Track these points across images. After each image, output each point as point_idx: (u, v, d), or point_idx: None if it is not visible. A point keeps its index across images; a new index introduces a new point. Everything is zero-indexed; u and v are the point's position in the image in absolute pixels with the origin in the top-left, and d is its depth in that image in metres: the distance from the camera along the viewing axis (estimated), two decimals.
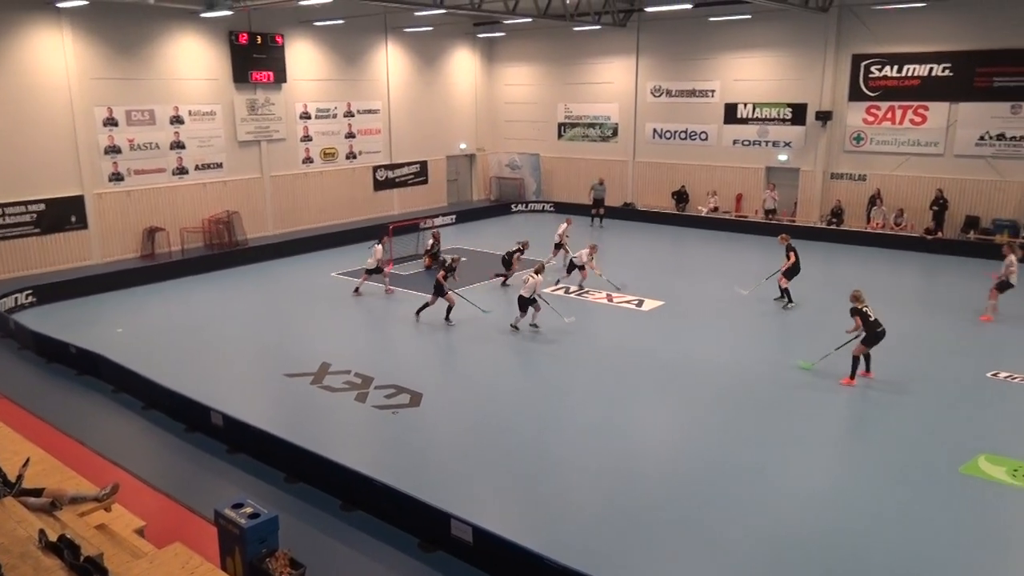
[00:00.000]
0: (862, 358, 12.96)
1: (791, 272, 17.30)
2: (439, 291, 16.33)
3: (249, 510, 7.35)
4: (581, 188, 31.57)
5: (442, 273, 16.65)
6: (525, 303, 15.61)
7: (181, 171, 23.72)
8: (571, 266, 19.13)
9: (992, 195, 23.38)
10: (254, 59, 24.72)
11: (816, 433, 11.27)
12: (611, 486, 9.80)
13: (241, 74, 24.49)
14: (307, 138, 27.11)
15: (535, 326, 15.97)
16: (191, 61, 23.51)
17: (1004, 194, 23.14)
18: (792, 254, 17.24)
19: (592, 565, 7.42)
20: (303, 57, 26.50)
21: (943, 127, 23.84)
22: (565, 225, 21.65)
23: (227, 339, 15.79)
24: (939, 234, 23.51)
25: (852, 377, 12.88)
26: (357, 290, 19.02)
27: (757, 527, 8.75)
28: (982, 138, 23.26)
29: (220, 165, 24.68)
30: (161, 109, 23.03)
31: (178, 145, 23.55)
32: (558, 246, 21.38)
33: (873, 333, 12.64)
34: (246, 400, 12.64)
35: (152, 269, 20.91)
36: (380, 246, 19.22)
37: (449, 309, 16.46)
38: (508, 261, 19.92)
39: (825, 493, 9.55)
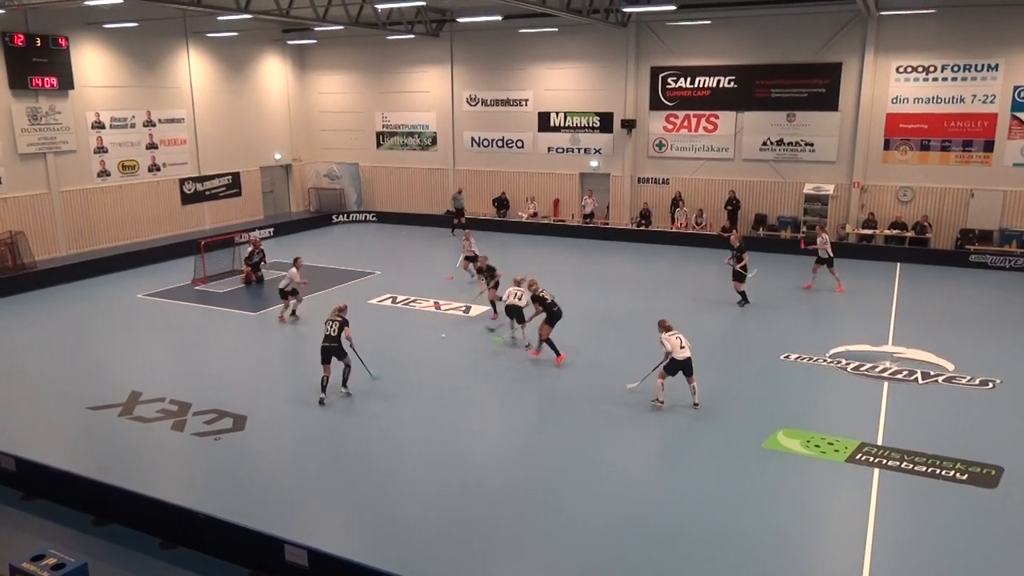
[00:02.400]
0: (549, 337, 14.42)
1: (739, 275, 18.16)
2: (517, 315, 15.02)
3: (52, 561, 6.69)
4: (403, 198, 31.53)
5: (491, 292, 16.78)
6: (517, 311, 15.06)
7: None
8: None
9: (776, 195, 25.97)
10: (34, 63, 22.42)
11: (627, 422, 11.94)
12: (446, 490, 9.83)
13: (19, 79, 22.13)
14: (102, 149, 24.98)
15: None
16: None
17: (786, 194, 25.77)
18: (745, 255, 18.16)
19: (433, 574, 7.41)
20: (93, 62, 24.40)
21: (732, 134, 26.16)
22: (468, 241, 20.61)
23: (16, 373, 14.18)
24: (734, 232, 25.72)
25: (557, 353, 14.32)
26: (283, 317, 17.26)
27: (586, 523, 9.13)
28: (764, 143, 25.78)
29: None
30: None
31: None
32: (471, 259, 20.07)
33: (551, 313, 14.41)
34: (43, 439, 11.43)
35: None
36: (296, 269, 17.01)
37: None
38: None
39: (642, 476, 10.15)
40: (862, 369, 13.96)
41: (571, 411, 12.34)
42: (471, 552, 8.48)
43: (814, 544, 8.77)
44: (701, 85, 26.24)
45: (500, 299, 16.31)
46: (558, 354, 14.38)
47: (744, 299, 18.36)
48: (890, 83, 23.77)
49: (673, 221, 26.89)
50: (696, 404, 12.21)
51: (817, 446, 10.92)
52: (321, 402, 12.50)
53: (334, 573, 7.68)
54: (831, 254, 19.48)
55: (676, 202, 26.93)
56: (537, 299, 14.60)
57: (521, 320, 15.14)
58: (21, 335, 16.64)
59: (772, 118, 25.49)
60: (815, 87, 24.76)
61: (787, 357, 14.66)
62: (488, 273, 17.43)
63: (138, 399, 12.71)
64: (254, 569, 8.13)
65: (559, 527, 8.96)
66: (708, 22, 25.20)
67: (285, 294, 17.02)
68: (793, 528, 8.96)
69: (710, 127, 26.44)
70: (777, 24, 24.66)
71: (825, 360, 14.45)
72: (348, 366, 12.81)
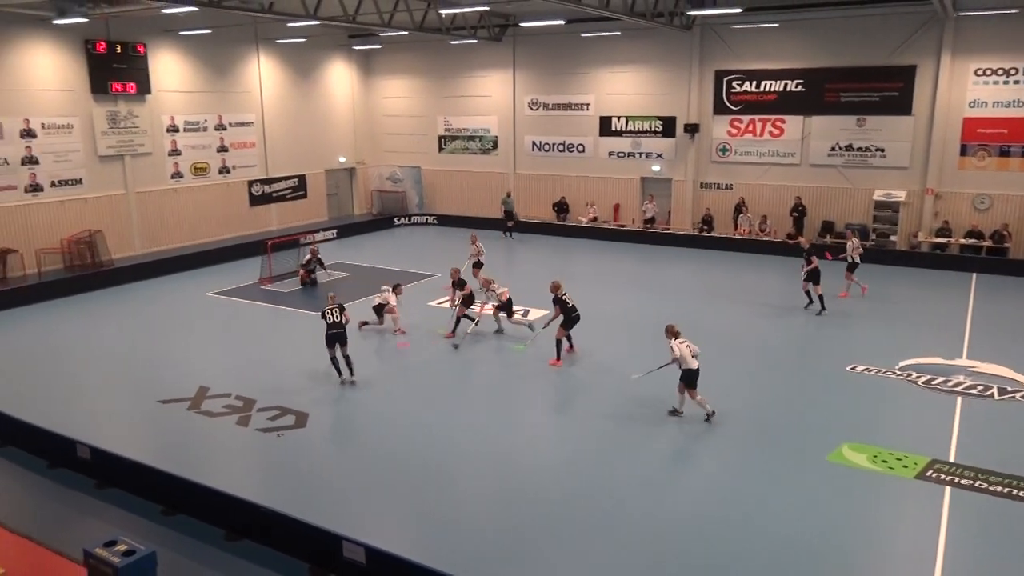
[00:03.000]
0: (564, 339, 14.79)
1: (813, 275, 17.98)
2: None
3: (123, 547, 6.92)
4: (464, 201, 31.76)
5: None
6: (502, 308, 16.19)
7: (35, 188, 22.09)
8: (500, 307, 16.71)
9: (844, 201, 25.25)
10: (114, 69, 23.39)
11: (687, 432, 11.75)
12: (504, 498, 9.85)
13: (100, 85, 23.11)
14: (176, 152, 25.88)
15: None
16: (43, 71, 21.98)
17: (854, 200, 25.04)
18: (813, 258, 17.92)
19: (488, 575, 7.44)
20: (169, 67, 25.31)
21: (799, 139, 25.56)
22: (475, 246, 20.46)
23: (93, 367, 14.79)
24: (800, 238, 25.10)
25: (558, 358, 14.64)
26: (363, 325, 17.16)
27: (642, 531, 9.03)
28: (833, 149, 25.10)
29: (79, 181, 23.15)
30: (9, 122, 21.38)
31: (30, 160, 21.93)
32: (479, 265, 20.20)
33: (569, 318, 14.53)
34: (116, 431, 11.88)
35: (4, 294, 19.32)
36: (394, 295, 16.65)
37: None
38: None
39: (704, 490, 9.97)
40: (934, 383, 13.44)
41: (629, 418, 12.21)
42: (527, 556, 8.47)
43: (880, 564, 8.48)
44: (767, 89, 25.73)
45: (470, 318, 16.40)
46: (558, 357, 14.65)
47: (822, 305, 17.96)
48: (968, 86, 22.87)
49: (736, 227, 26.41)
50: (711, 413, 11.89)
51: (884, 461, 10.56)
52: (343, 382, 13.25)
53: (390, 571, 7.77)
54: (858, 261, 19.21)
55: (739, 208, 26.45)
56: (558, 301, 14.57)
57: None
58: (98, 330, 17.35)
59: (841, 122, 24.81)
60: (887, 91, 24.00)
61: (853, 368, 14.23)
62: (458, 286, 16.75)
63: (206, 394, 13.11)
64: (313, 564, 8.28)
65: (615, 535, 8.88)
66: (776, 24, 24.70)
67: (378, 311, 16.82)
68: (858, 546, 8.68)
69: (776, 132, 25.89)
70: (848, 26, 24.00)
71: (894, 373, 13.98)
72: (348, 356, 13.54)
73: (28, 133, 21.80)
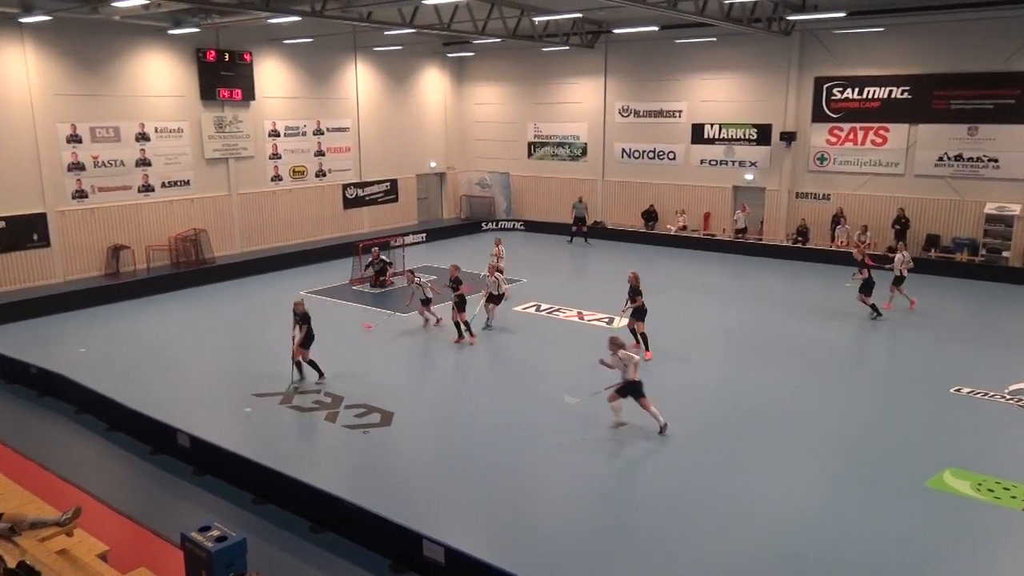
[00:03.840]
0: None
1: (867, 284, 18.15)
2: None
3: (216, 533, 7.19)
4: (551, 207, 31.79)
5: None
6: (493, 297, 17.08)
7: (147, 188, 23.41)
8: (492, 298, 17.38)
9: (951, 214, 23.96)
10: (222, 76, 24.55)
11: (784, 452, 11.37)
12: (586, 508, 9.77)
13: (209, 91, 24.30)
14: (276, 156, 26.94)
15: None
16: (158, 78, 23.29)
17: (962, 213, 23.73)
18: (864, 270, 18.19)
19: None
20: (272, 75, 26.39)
21: (903, 148, 24.43)
22: (498, 248, 20.51)
23: (194, 359, 15.53)
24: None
25: (648, 349, 15.36)
26: (428, 324, 17.74)
27: (728, 547, 8.79)
28: (941, 159, 23.87)
29: (187, 182, 24.40)
30: (126, 126, 22.75)
31: (144, 162, 23.26)
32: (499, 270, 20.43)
33: (643, 310, 15.50)
34: (213, 421, 12.42)
35: (116, 288, 20.55)
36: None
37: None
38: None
39: (796, 512, 9.62)
40: None
41: (721, 434, 11.92)
42: (606, 567, 8.37)
43: None
44: (870, 96, 24.71)
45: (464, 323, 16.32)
46: (647, 348, 15.30)
47: (875, 311, 18.09)
48: None
49: (833, 239, 25.45)
50: (664, 425, 11.60)
51: (991, 490, 9.94)
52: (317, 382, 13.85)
53: (468, 572, 7.82)
54: (905, 275, 18.68)
55: (837, 219, 25.48)
56: (636, 291, 15.46)
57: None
58: (200, 324, 18.22)
59: (950, 131, 23.56)
60: (1002, 98, 22.64)
61: (958, 391, 13.46)
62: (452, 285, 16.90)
63: (297, 389, 13.55)
64: (393, 560, 8.43)
65: (703, 553, 8.67)
66: (881, 29, 23.68)
67: (425, 302, 17.48)
68: (958, 573, 8.20)
69: (879, 140, 24.83)
70: (959, 30, 22.78)
71: (1003, 397, 13.15)
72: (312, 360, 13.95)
73: (143, 137, 23.13)
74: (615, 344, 11.66)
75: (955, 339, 16.64)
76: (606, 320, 18.00)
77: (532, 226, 31.16)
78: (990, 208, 23.01)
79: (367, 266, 21.96)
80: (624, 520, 9.34)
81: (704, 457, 11.01)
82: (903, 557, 8.50)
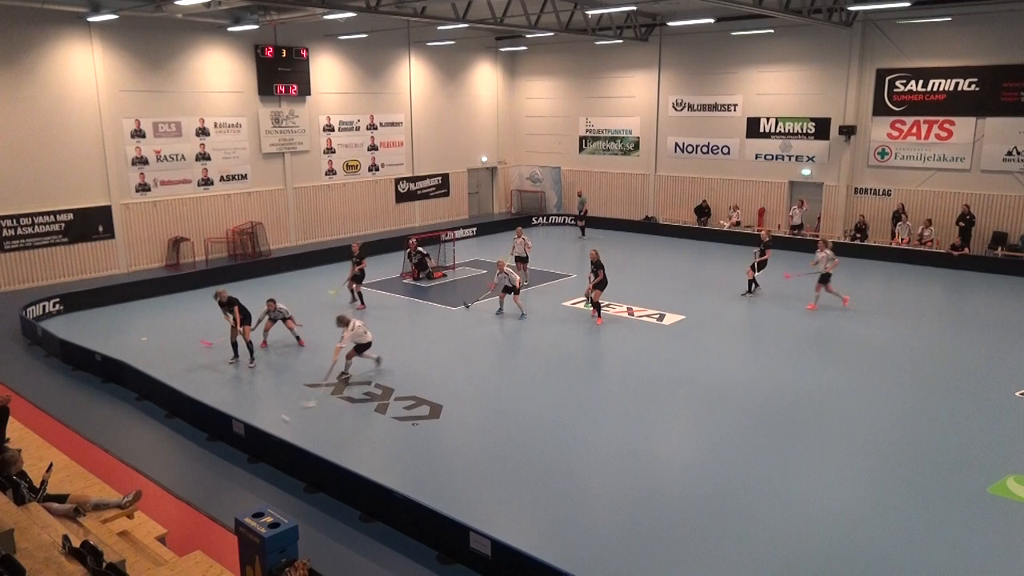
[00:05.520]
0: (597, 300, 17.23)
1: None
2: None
3: (269, 519, 7.34)
4: (603, 201, 31.60)
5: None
6: (508, 289, 17.67)
7: (206, 182, 24.03)
8: (508, 289, 17.86)
9: (1020, 211, 23.06)
10: (279, 72, 25.04)
11: (839, 452, 11.11)
12: (632, 503, 9.71)
13: (266, 87, 24.81)
14: (330, 150, 27.36)
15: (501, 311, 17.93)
16: (217, 74, 23.86)
17: None
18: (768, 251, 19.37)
19: None
20: (327, 70, 26.79)
21: (969, 142, 23.58)
22: (520, 239, 20.84)
23: (246, 350, 15.86)
24: (966, 250, 23.21)
25: (600, 316, 17.32)
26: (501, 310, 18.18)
27: (779, 547, 8.63)
28: (1009, 153, 22.98)
29: (244, 176, 24.97)
30: (187, 121, 23.38)
31: (203, 157, 23.88)
32: (523, 259, 20.81)
33: (604, 282, 17.22)
34: (267, 409, 12.69)
35: (177, 279, 21.15)
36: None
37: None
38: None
39: (851, 513, 9.39)
40: None
41: (766, 433, 11.72)
42: (651, 563, 8.31)
43: None
44: (935, 88, 23.91)
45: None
46: (599, 315, 17.12)
47: (752, 285, 19.52)
48: None
49: (894, 236, 24.73)
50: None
51: None
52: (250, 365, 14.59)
53: (514, 566, 7.84)
54: (831, 272, 18.10)
55: (898, 215, 24.74)
56: (598, 266, 17.21)
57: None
58: (254, 314, 18.56)
59: (1020, 124, 22.65)
60: None
61: (1023, 395, 12.98)
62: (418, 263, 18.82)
63: (348, 381, 13.76)
64: (441, 551, 8.51)
65: (747, 551, 8.54)
66: (948, 19, 22.88)
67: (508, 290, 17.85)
68: None
69: (943, 134, 24.01)
70: None
71: None
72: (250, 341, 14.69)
73: (203, 132, 23.75)
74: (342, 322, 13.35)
75: (1022, 342, 16.01)
76: (657, 316, 17.83)
77: (587, 222, 30.99)
78: None
79: (408, 258, 22.09)
80: (668, 518, 9.24)
81: (758, 457, 10.83)
82: (962, 563, 8.23)
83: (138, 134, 22.33)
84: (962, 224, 23.43)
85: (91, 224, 21.67)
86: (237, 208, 24.77)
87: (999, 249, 23.06)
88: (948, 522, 9.10)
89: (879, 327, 17.01)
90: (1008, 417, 12.15)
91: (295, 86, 25.48)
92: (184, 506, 9.52)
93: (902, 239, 24.43)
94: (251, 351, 14.82)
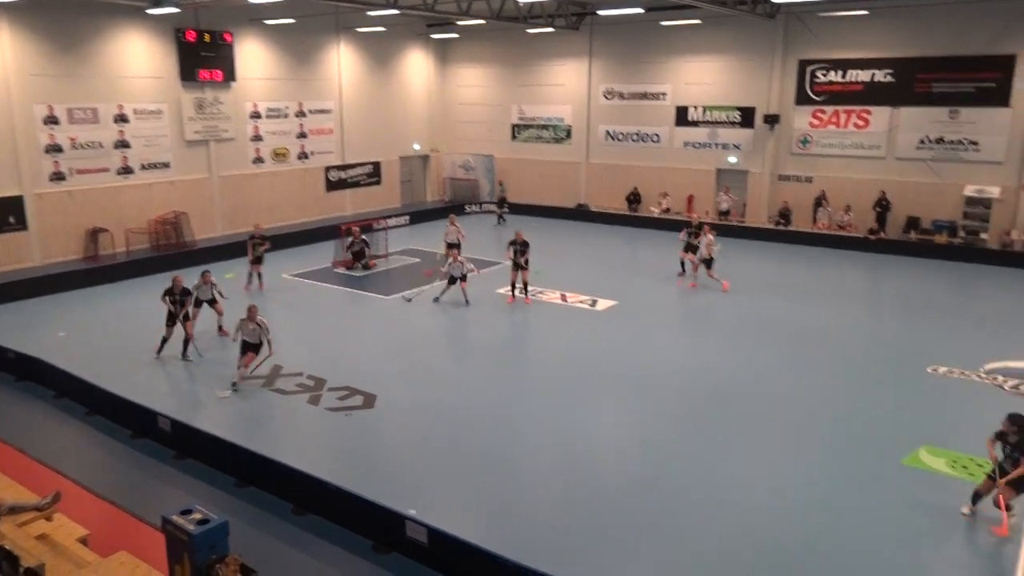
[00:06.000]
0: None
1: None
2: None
3: (198, 516, 7.17)
4: (535, 190, 31.75)
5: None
6: (455, 279, 17.83)
7: (126, 171, 23.13)
8: (454, 279, 18.01)
9: (931, 197, 24.17)
10: (202, 57, 24.23)
11: (765, 430, 11.50)
12: (567, 485, 9.85)
13: (188, 72, 23.98)
14: (257, 138, 26.68)
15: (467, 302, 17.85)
16: (136, 58, 22.95)
17: (943, 196, 23.93)
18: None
19: (549, 564, 7.44)
20: (253, 56, 26.07)
21: (885, 131, 24.56)
22: (454, 227, 20.77)
23: (175, 343, 15.40)
24: (882, 234, 24.22)
25: (528, 296, 18.08)
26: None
27: (712, 523, 8.89)
28: (922, 141, 24.03)
29: (167, 165, 24.12)
30: (105, 107, 22.42)
31: (123, 144, 22.96)
32: (455, 246, 20.52)
33: (526, 263, 17.91)
34: (194, 405, 12.37)
35: (96, 271, 20.34)
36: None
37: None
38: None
39: (776, 486, 9.74)
40: (1022, 388, 12.78)
41: (694, 415, 12.03)
42: (588, 547, 8.45)
43: (958, 571, 8.12)
44: (853, 79, 24.79)
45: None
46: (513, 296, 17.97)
47: (684, 266, 20.11)
48: None
49: (815, 221, 25.61)
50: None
51: (964, 467, 10.11)
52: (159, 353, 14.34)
53: (451, 552, 7.87)
54: (714, 257, 18.97)
55: (819, 201, 25.63)
56: (525, 245, 17.94)
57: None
58: None
59: (932, 114, 23.72)
60: (983, 81, 22.81)
61: (935, 370, 13.64)
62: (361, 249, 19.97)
63: (279, 372, 13.52)
64: (376, 541, 8.46)
65: (677, 532, 8.77)
66: (865, 12, 23.72)
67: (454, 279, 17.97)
68: (932, 551, 8.34)
69: (861, 123, 24.95)
70: (942, 14, 22.87)
71: (979, 376, 13.34)
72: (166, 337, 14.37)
73: (121, 118, 22.81)
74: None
75: (933, 320, 16.84)
76: (589, 303, 18.05)
77: (516, 208, 31.01)
78: (969, 191, 23.24)
79: (348, 247, 21.76)
80: (603, 501, 9.41)
81: (685, 438, 11.11)
82: (878, 530, 8.64)
83: (51, 120, 21.29)
84: (879, 209, 24.43)
85: (1, 215, 20.60)
86: (159, 197, 23.91)
87: (912, 233, 24.14)
88: (866, 492, 9.54)
89: (801, 309, 17.62)
90: (920, 392, 12.78)
91: (219, 72, 24.71)
92: (107, 506, 9.20)
93: (823, 224, 25.31)
94: (186, 347, 14.39)
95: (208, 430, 10.47)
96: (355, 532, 8.65)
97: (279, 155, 27.45)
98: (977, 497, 8.93)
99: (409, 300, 18.28)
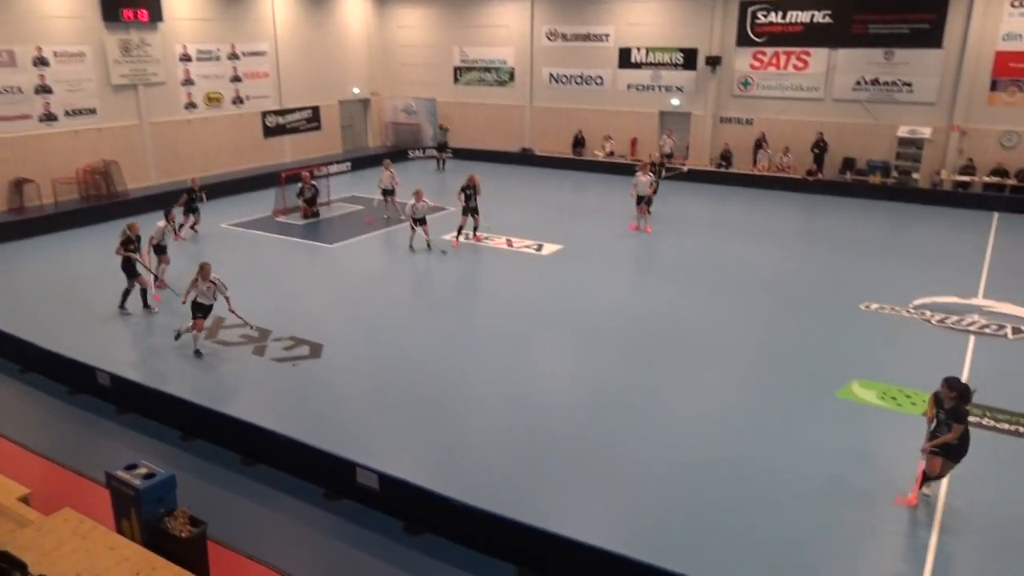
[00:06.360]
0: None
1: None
2: None
3: (144, 471, 7.11)
4: (479, 134, 31.38)
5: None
6: (417, 221, 17.60)
7: (49, 117, 22.00)
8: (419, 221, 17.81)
9: (867, 138, 24.72)
10: None
11: (706, 367, 11.83)
12: (515, 428, 10.01)
13: (111, 12, 22.73)
14: (189, 82, 25.61)
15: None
16: None
17: (878, 137, 24.51)
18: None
19: (500, 504, 7.61)
20: None
21: (823, 72, 24.88)
22: (388, 172, 20.54)
23: (111, 296, 14.96)
24: (819, 175, 24.75)
25: (457, 240, 18.21)
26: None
27: (656, 457, 9.18)
28: (858, 83, 24.45)
29: (93, 111, 23.02)
30: (22, 49, 21.16)
31: (44, 89, 21.78)
32: (390, 192, 20.61)
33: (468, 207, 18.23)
34: (135, 359, 12.10)
35: (22, 224, 19.48)
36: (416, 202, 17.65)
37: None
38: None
39: (718, 421, 10.08)
40: (948, 322, 13.39)
41: (639, 354, 12.29)
42: (538, 486, 8.65)
43: (883, 494, 8.59)
44: (793, 20, 24.94)
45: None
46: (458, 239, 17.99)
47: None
48: (1003, 18, 22.06)
49: (755, 163, 26.00)
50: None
51: (894, 398, 10.61)
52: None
53: (403, 497, 7.97)
54: (650, 195, 19.29)
55: (759, 143, 25.98)
56: (473, 189, 18.19)
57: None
58: (114, 259, 17.47)
59: (868, 56, 24.09)
60: (918, 22, 23.21)
61: (867, 307, 14.16)
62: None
63: (221, 324, 13.28)
64: (328, 489, 8.51)
65: (619, 466, 9.03)
66: None
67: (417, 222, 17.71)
68: (862, 477, 8.78)
69: (800, 65, 25.21)
70: None
71: (908, 311, 13.92)
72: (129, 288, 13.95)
73: (41, 61, 21.59)
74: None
75: (866, 258, 17.40)
76: (535, 247, 18.10)
77: (460, 153, 30.71)
78: (902, 131, 23.84)
79: (298, 193, 21.23)
80: (551, 442, 9.61)
81: (629, 377, 11.37)
82: (814, 459, 9.05)
83: None
84: (816, 151, 24.91)
85: None
86: (87, 145, 22.87)
87: (848, 174, 24.73)
88: (802, 424, 9.95)
89: (741, 250, 18.00)
90: (853, 327, 13.28)
91: (144, 11, 23.45)
92: (48, 464, 9.02)
93: (763, 166, 25.72)
94: (145, 296, 14.17)
95: (150, 384, 10.28)
96: (306, 481, 8.67)
97: (213, 100, 26.45)
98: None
99: (414, 251, 17.87)
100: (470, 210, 18.17)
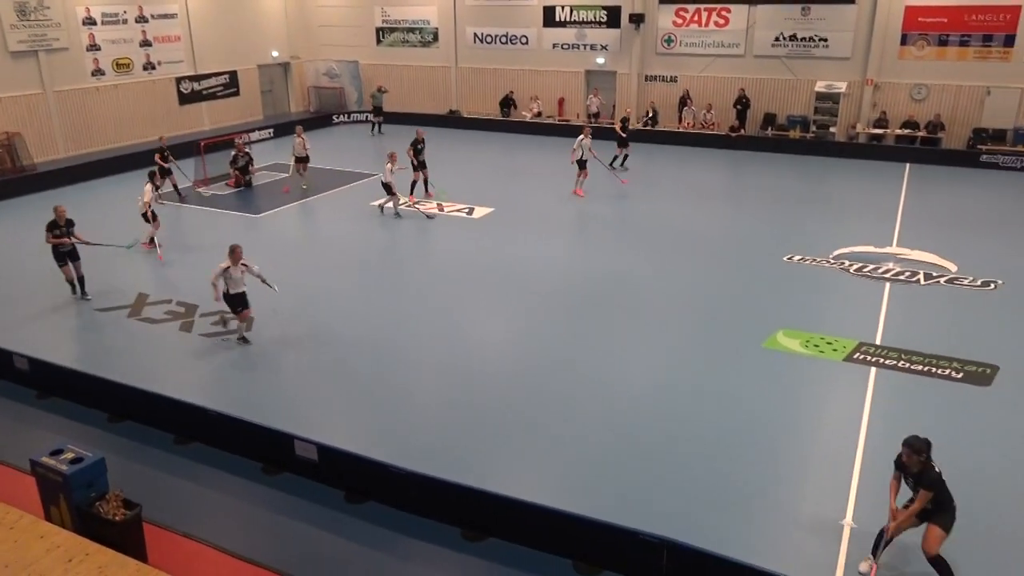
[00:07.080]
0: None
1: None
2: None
3: (71, 455, 6.90)
4: (405, 97, 30.83)
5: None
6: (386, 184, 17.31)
7: None
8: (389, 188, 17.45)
9: (787, 93, 25.31)
10: None
11: (637, 323, 12.07)
12: (451, 392, 10.05)
13: None
14: (94, 47, 24.30)
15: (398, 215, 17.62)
16: None
17: (797, 92, 25.12)
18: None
19: (439, 468, 7.67)
20: None
21: (744, 28, 25.26)
22: (300, 139, 20.12)
23: (23, 277, 14.27)
24: (742, 131, 25.27)
25: (412, 194, 18.41)
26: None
27: (593, 413, 9.37)
28: (777, 39, 24.92)
29: None
30: None
31: None
32: (302, 160, 20.14)
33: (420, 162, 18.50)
34: (54, 341, 11.62)
35: None
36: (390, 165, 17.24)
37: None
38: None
39: (646, 375, 10.33)
40: (865, 270, 13.98)
41: (573, 314, 12.44)
42: (478, 449, 8.74)
43: (809, 438, 9.00)
44: None
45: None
46: (412, 194, 18.22)
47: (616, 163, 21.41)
48: None
49: (680, 120, 26.34)
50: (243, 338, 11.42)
51: (816, 346, 11.06)
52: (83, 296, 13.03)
53: (342, 467, 7.95)
54: (586, 158, 18.95)
55: (684, 100, 26.31)
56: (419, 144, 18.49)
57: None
58: (24, 238, 16.63)
59: (786, 12, 24.55)
60: None
61: (790, 258, 14.65)
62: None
63: (145, 300, 12.85)
64: (266, 463, 8.41)
65: (556, 425, 9.19)
66: None
67: (388, 189, 17.34)
68: (789, 423, 9.17)
69: (721, 21, 25.51)
70: None
71: (828, 262, 14.46)
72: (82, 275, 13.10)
73: None
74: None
75: (789, 211, 17.95)
76: (466, 211, 18.02)
77: (385, 117, 30.03)
78: (820, 86, 24.49)
79: (231, 161, 20.53)
80: (490, 405, 9.69)
81: (562, 336, 11.52)
82: (744, 407, 9.39)
83: None
84: (739, 107, 25.40)
85: None
86: None
87: (769, 129, 25.33)
88: (731, 374, 10.29)
89: (667, 207, 18.33)
90: (778, 279, 13.74)
91: None
92: None
93: (688, 123, 26.09)
94: (82, 285, 13.20)
95: (71, 366, 9.90)
96: (243, 456, 8.54)
97: (122, 66, 25.18)
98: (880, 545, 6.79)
99: (431, 217, 17.61)
100: (420, 165, 18.42)
